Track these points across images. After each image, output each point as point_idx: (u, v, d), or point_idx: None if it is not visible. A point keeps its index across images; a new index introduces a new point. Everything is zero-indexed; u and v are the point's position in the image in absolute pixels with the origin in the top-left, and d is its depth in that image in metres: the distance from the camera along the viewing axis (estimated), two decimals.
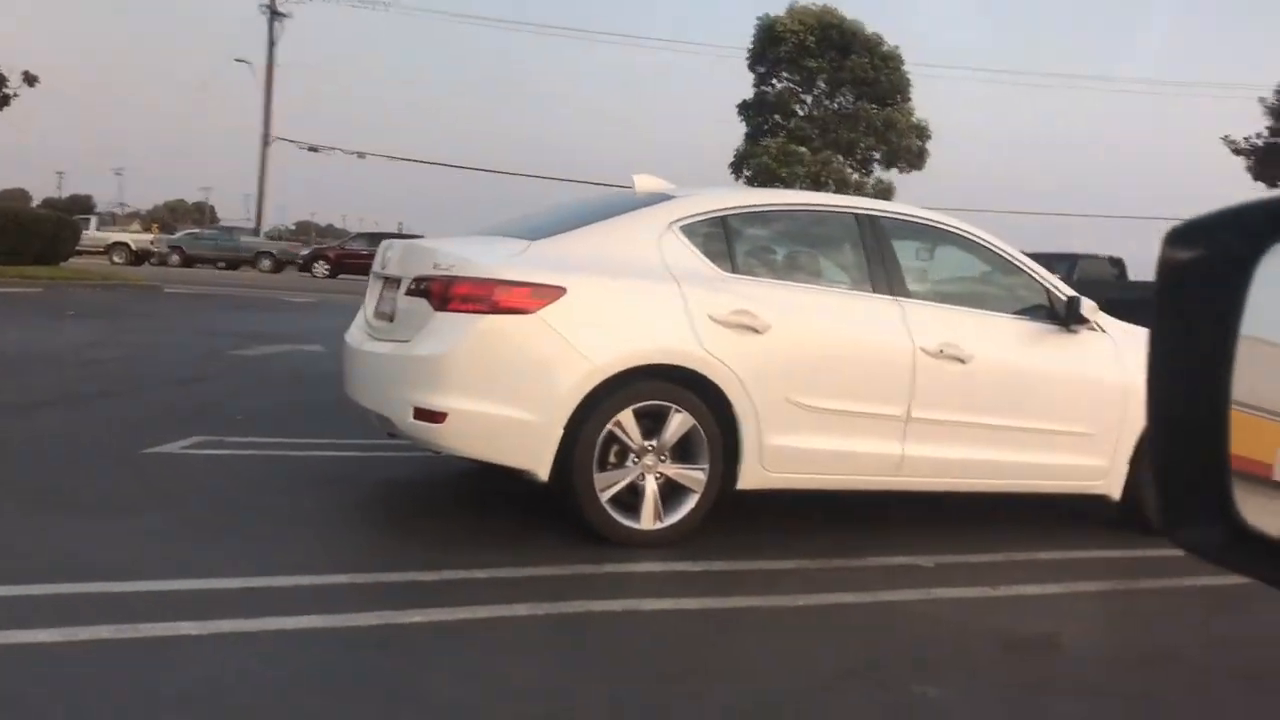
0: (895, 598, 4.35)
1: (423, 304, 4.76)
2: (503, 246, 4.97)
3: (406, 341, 4.80)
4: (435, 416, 4.55)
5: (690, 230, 5.05)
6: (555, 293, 4.60)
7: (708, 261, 4.99)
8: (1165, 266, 0.66)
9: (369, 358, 5.12)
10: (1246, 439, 0.73)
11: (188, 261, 40.96)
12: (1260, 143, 37.18)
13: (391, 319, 5.09)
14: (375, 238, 40.89)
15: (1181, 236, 0.66)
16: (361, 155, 48.34)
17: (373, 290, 5.54)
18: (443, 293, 4.68)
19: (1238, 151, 37.68)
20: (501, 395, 4.55)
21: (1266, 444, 0.72)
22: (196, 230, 49.69)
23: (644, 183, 5.68)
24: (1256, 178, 37.19)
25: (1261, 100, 36.90)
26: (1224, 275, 0.65)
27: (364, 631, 3.53)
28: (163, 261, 40.70)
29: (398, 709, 3.00)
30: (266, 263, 41.78)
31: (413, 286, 4.88)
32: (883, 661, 3.66)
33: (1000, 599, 4.48)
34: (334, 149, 47.32)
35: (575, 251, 4.88)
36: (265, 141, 45.39)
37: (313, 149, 46.44)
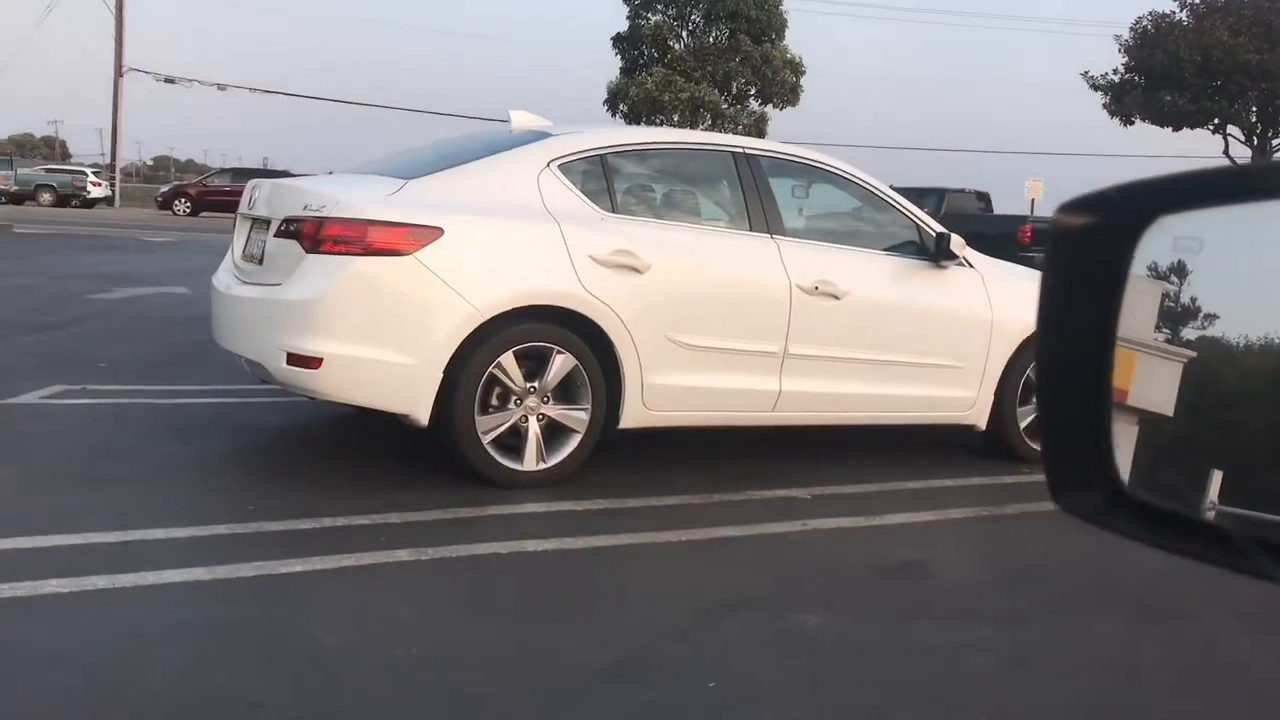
0: (775, 530, 4.46)
1: (293, 246, 4.63)
2: (376, 186, 4.86)
3: (277, 285, 4.67)
4: (309, 362, 4.45)
5: (569, 169, 5.00)
6: (432, 234, 4.52)
7: (587, 201, 4.96)
8: (1058, 233, 0.68)
9: (238, 302, 4.97)
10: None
11: None
12: (1116, 79, 38.50)
13: (261, 261, 4.94)
14: (239, 174, 39.45)
15: (1076, 207, 0.68)
16: (222, 87, 46.53)
17: (240, 231, 5.36)
18: (314, 234, 4.55)
19: (1096, 87, 38.96)
20: (378, 339, 4.47)
21: (1123, 371, 0.76)
22: None
23: (521, 120, 5.60)
24: (1113, 114, 38.59)
25: (1118, 38, 38.15)
26: (1112, 245, 0.68)
27: (243, 583, 3.47)
28: None
29: (279, 659, 2.97)
30: (47, 197, 38.63)
31: (282, 228, 4.74)
32: (764, 592, 3.76)
33: (875, 528, 4.63)
34: (192, 81, 45.42)
35: (452, 191, 4.80)
36: (118, 72, 43.18)
37: (169, 80, 44.42)
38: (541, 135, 5.23)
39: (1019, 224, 20.75)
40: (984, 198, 23.63)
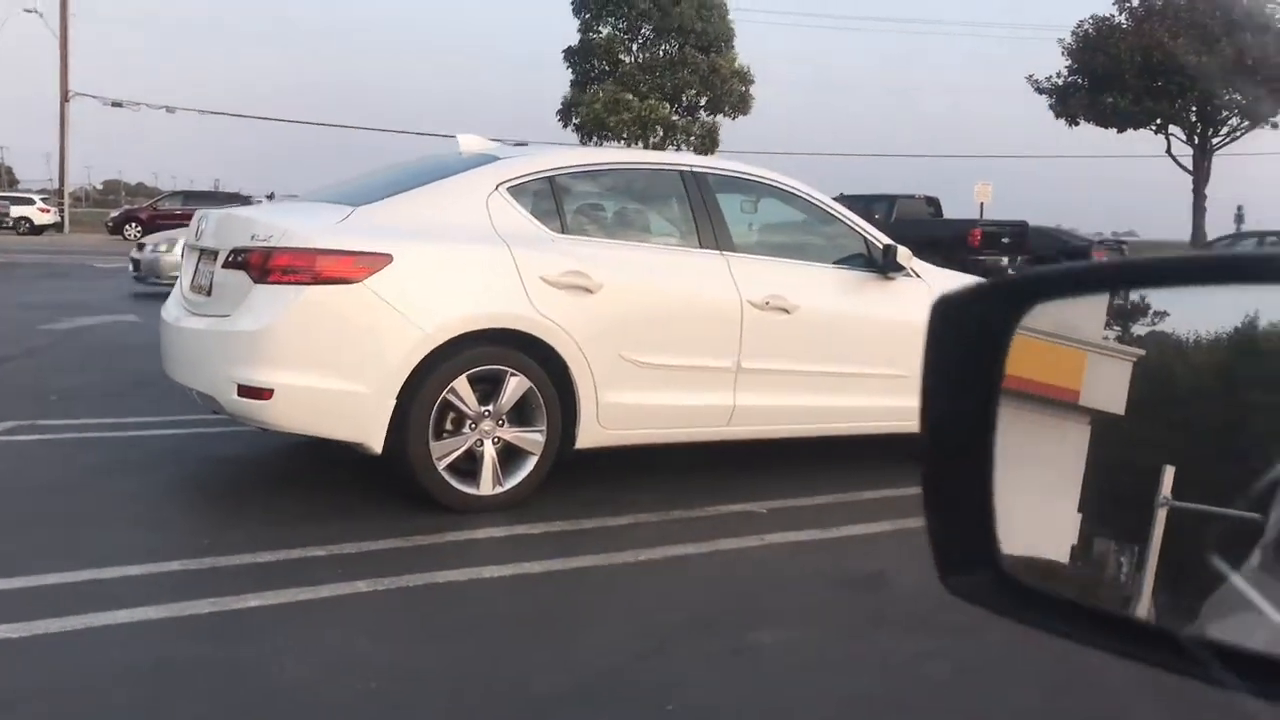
0: (732, 546, 4.49)
1: (242, 276, 4.62)
2: (324, 214, 4.85)
3: (226, 316, 4.65)
4: (261, 393, 4.43)
5: (518, 191, 5.02)
6: (381, 260, 4.52)
7: (537, 223, 4.99)
8: (939, 321, 0.71)
9: (187, 334, 4.95)
10: (1057, 368, 0.81)
11: None
12: (1060, 81, 39.10)
13: (209, 292, 4.92)
14: (190, 196, 39.08)
15: (957, 297, 0.72)
16: (170, 110, 46.17)
17: (188, 262, 5.33)
18: (262, 264, 4.54)
19: (1041, 90, 39.55)
20: (329, 368, 4.46)
21: (1073, 372, 0.79)
22: None
23: (469, 143, 5.61)
24: (1058, 115, 39.18)
25: (1060, 41, 38.74)
26: (991, 332, 0.72)
27: (200, 620, 3.44)
28: None
29: (237, 696, 2.95)
30: None
31: (230, 259, 4.72)
32: (721, 611, 3.78)
33: (831, 540, 4.67)
34: (139, 104, 44.96)
35: (401, 217, 4.80)
36: (64, 97, 42.66)
37: (116, 104, 43.96)
38: (489, 158, 5.25)
39: (969, 228, 21.04)
40: (934, 203, 23.91)
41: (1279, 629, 0.68)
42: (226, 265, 4.75)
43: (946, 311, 0.71)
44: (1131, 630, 0.71)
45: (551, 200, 5.11)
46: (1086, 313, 0.77)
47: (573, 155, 5.91)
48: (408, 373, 4.49)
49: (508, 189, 4.98)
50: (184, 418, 6.21)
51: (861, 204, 20.71)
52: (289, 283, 4.48)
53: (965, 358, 0.72)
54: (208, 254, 5.04)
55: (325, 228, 4.65)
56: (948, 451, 0.72)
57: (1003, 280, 0.76)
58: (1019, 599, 0.73)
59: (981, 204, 28.49)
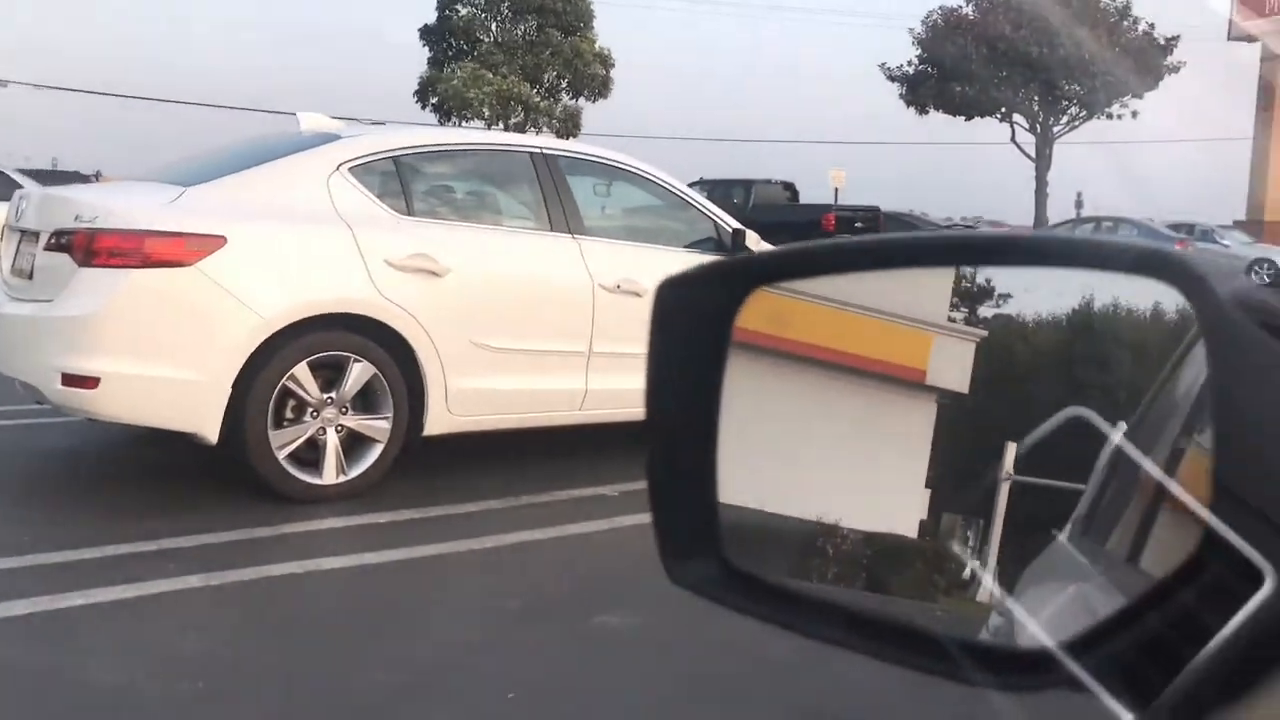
0: (582, 530, 4.47)
1: (65, 260, 4.39)
2: (154, 194, 4.65)
3: (49, 301, 4.41)
4: (86, 382, 4.22)
5: (361, 172, 4.89)
6: (214, 243, 4.34)
7: (381, 204, 4.86)
8: (662, 306, 0.69)
9: (8, 321, 4.68)
10: (904, 349, 0.81)
11: None
12: (911, 70, 40.23)
13: (31, 276, 4.65)
14: (28, 175, 37.12)
15: (679, 281, 0.70)
16: (3, 84, 43.56)
17: (8, 245, 5.03)
18: (87, 246, 4.32)
19: (893, 78, 40.63)
20: (160, 355, 4.28)
21: (920, 352, 0.79)
22: None
23: (310, 122, 5.44)
24: (909, 104, 40.33)
25: (911, 31, 39.84)
26: (714, 318, 0.70)
27: (15, 622, 3.26)
28: None
29: (53, 701, 2.81)
30: None
31: (52, 241, 4.48)
32: (568, 596, 3.77)
33: None
34: None
35: (236, 197, 4.63)
36: None
37: None
38: (331, 137, 5.10)
39: (823, 212, 21.55)
40: (790, 187, 24.35)
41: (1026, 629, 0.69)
42: (49, 248, 4.50)
43: (667, 293, 0.69)
44: (865, 623, 0.70)
45: (397, 181, 4.99)
46: (931, 293, 0.77)
47: (419, 135, 5.78)
48: (243, 359, 4.33)
49: (350, 169, 4.84)
50: (5, 408, 5.88)
51: (721, 188, 20.96)
52: (116, 266, 4.27)
53: (687, 342, 0.70)
54: (29, 235, 4.77)
55: (155, 208, 4.45)
56: (670, 438, 0.71)
57: (723, 262, 0.76)
58: (746, 590, 0.72)
59: (836, 189, 29.09)
